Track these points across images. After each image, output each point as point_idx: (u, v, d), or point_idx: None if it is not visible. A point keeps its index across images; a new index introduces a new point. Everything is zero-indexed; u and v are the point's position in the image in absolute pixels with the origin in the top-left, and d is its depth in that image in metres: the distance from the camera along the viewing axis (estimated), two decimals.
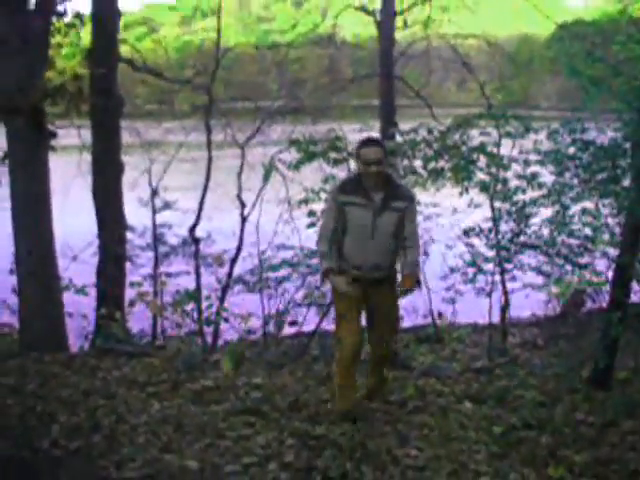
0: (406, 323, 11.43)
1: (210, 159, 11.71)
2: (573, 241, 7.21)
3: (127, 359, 6.33)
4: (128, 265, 11.34)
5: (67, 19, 10.66)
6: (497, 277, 8.67)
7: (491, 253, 7.97)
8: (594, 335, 7.48)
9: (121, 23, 10.97)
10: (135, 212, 12.48)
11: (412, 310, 11.28)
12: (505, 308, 9.09)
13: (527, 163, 7.60)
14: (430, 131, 7.84)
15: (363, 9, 11.84)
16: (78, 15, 10.57)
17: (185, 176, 14.94)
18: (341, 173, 8.19)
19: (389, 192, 4.72)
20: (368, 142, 4.78)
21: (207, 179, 11.68)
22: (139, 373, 5.74)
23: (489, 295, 9.00)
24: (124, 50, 13.30)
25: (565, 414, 4.60)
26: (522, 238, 7.58)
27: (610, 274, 7.49)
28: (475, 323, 11.59)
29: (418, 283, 4.88)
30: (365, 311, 4.90)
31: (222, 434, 4.24)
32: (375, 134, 12.32)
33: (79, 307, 9.77)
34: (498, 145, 8.10)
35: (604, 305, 8.43)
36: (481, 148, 7.71)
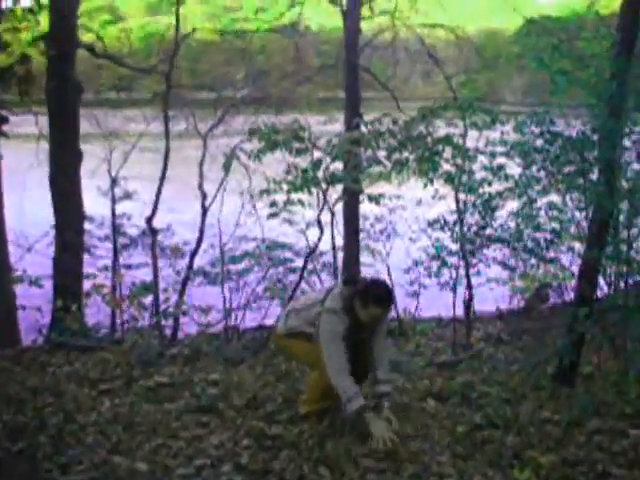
0: None
1: (168, 148, 11.46)
2: (539, 235, 7.12)
3: (79, 354, 6.10)
4: (86, 256, 11.11)
5: (24, 3, 10.43)
6: (462, 271, 8.64)
7: (456, 246, 7.88)
8: (558, 330, 7.45)
9: (85, 10, 10.72)
10: (94, 202, 12.22)
11: None
12: (469, 302, 9.05)
13: (493, 155, 7.51)
14: (395, 121, 7.71)
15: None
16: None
17: (146, 166, 14.63)
18: (303, 163, 8.04)
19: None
20: (383, 303, 4.34)
21: (164, 169, 11.44)
22: (91, 369, 5.51)
23: (453, 289, 8.94)
24: (88, 37, 13.01)
25: (530, 412, 4.48)
26: (488, 231, 7.49)
27: (575, 268, 7.47)
28: (439, 317, 11.59)
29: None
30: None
31: (175, 434, 4.04)
32: (339, 126, 12.26)
33: (34, 299, 9.49)
34: (464, 136, 8.02)
35: (568, 300, 8.42)
36: (447, 139, 7.60)
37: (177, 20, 11.64)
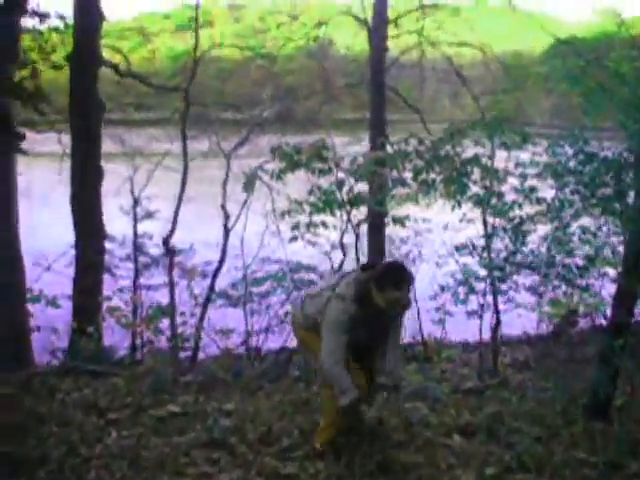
0: None
1: (186, 167, 11.32)
2: (572, 261, 6.81)
3: (91, 379, 5.89)
4: (107, 276, 10.96)
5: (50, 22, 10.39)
6: (489, 297, 8.36)
7: (484, 272, 7.57)
8: (587, 356, 7.15)
9: (114, 30, 10.70)
10: (116, 221, 12.12)
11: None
12: (496, 327, 8.77)
13: (524, 176, 7.20)
14: (421, 141, 7.46)
15: (355, 17, 11.53)
16: (62, 17, 10.28)
17: (170, 185, 14.54)
18: (326, 184, 7.83)
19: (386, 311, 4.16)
20: (400, 281, 4.05)
21: (182, 188, 11.27)
22: (101, 396, 5.29)
23: (480, 315, 8.67)
24: (114, 57, 12.99)
25: (564, 452, 4.18)
26: (518, 257, 7.16)
27: (604, 292, 7.15)
28: (465, 341, 11.32)
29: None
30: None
31: (182, 471, 3.80)
32: (365, 147, 12.04)
33: (52, 320, 9.33)
34: (491, 157, 7.76)
35: (597, 323, 8.12)
36: (475, 160, 7.32)
37: (196, 38, 11.56)
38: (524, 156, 7.31)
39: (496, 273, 7.18)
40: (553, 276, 6.82)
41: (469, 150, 7.95)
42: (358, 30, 15.12)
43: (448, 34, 15.16)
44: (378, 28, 9.77)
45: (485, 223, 7.80)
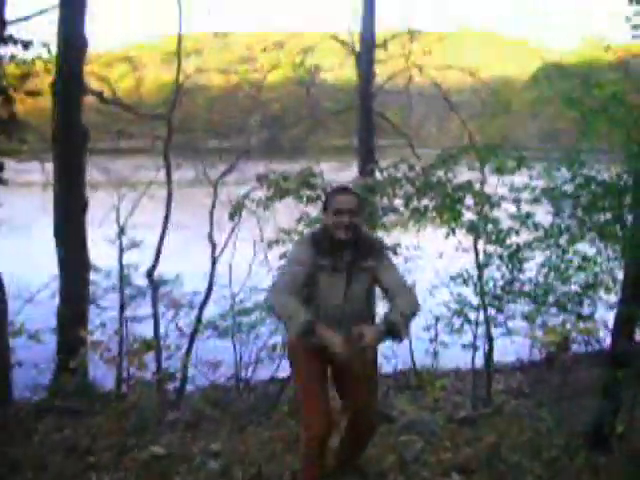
0: (386, 369, 10.96)
1: (170, 195, 11.12)
2: (569, 288, 6.65)
3: (72, 418, 5.65)
4: (92, 308, 10.72)
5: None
6: (483, 324, 8.20)
7: (478, 300, 7.40)
8: (582, 382, 7.01)
9: (104, 61, 10.61)
10: (101, 251, 11.90)
11: (392, 355, 10.86)
12: (489, 354, 8.61)
13: (518, 201, 7.04)
14: (411, 167, 7.29)
15: (342, 42, 11.47)
16: (45, 45, 10.14)
17: (156, 214, 14.37)
18: (314, 212, 7.65)
19: (359, 249, 4.00)
20: (340, 189, 4.09)
21: (167, 217, 11.05)
22: (82, 436, 5.05)
23: (474, 344, 8.52)
24: (100, 86, 12.87)
25: None
26: (516, 285, 6.98)
27: (598, 316, 7.01)
28: (457, 368, 11.17)
29: (398, 339, 3.85)
30: (333, 377, 4.18)
31: None
32: (353, 173, 11.93)
33: (34, 354, 9.06)
34: (482, 182, 7.62)
35: (591, 350, 8.00)
36: (467, 186, 7.16)
37: (178, 65, 11.44)
38: (518, 180, 7.18)
39: (493, 303, 7.00)
40: (550, 304, 6.65)
41: (460, 176, 7.83)
42: (345, 57, 15.08)
43: (435, 59, 15.16)
44: (365, 53, 9.70)
45: (476, 250, 7.65)
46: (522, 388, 9.99)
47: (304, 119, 17.10)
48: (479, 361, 8.89)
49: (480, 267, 7.52)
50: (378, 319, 4.32)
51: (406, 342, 10.91)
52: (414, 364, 10.96)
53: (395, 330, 3.71)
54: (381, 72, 13.19)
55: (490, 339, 8.19)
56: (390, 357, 10.90)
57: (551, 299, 6.65)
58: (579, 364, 9.41)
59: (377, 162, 10.78)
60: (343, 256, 3.96)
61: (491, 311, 7.59)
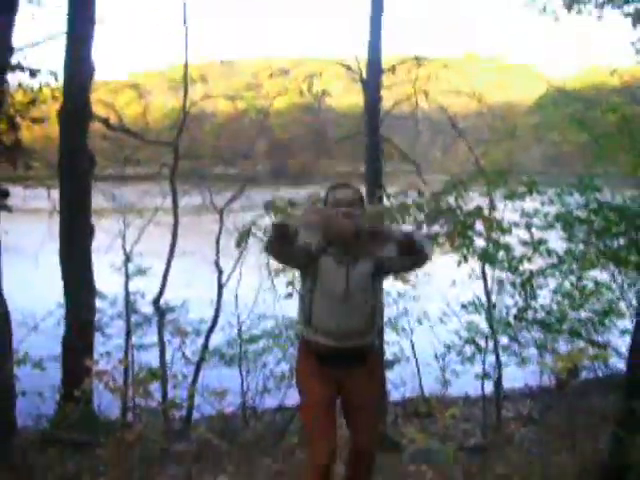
0: (394, 396, 10.84)
1: (176, 223, 11.06)
2: (584, 315, 6.53)
3: (75, 450, 5.54)
4: (98, 336, 10.63)
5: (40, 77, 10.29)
6: (492, 350, 8.09)
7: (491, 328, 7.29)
8: (592, 409, 7.00)
9: (110, 87, 10.63)
10: (108, 278, 11.85)
11: (400, 383, 10.76)
12: (499, 380, 8.50)
13: (529, 227, 6.94)
14: (421, 194, 7.22)
15: (348, 67, 11.45)
16: (52, 73, 10.18)
17: (163, 241, 14.36)
18: None
19: (360, 238, 3.94)
20: (338, 184, 4.12)
21: (173, 245, 10.98)
22: (85, 470, 4.94)
23: (484, 374, 8.42)
24: (106, 112, 12.90)
25: None
26: (529, 313, 6.87)
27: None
28: (466, 395, 11.04)
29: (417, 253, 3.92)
30: (342, 405, 4.11)
31: None
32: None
33: (39, 383, 8.94)
34: (494, 208, 7.55)
35: (601, 375, 7.89)
36: (477, 212, 7.07)
37: (185, 92, 11.44)
38: (528, 206, 7.10)
39: (505, 330, 6.89)
40: (565, 332, 6.53)
41: (470, 202, 7.75)
42: (350, 83, 15.06)
43: (440, 84, 15.15)
44: (372, 78, 9.68)
45: (485, 277, 7.57)
46: (532, 415, 9.81)
47: (310, 145, 17.10)
48: (487, 386, 8.79)
49: (489, 294, 7.44)
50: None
51: (414, 369, 10.82)
52: (422, 391, 10.85)
53: (410, 239, 3.81)
54: (387, 97, 13.17)
55: (500, 366, 8.09)
56: (398, 384, 10.80)
57: (565, 326, 6.54)
58: (589, 390, 9.29)
59: (384, 188, 10.73)
60: (345, 246, 3.93)
61: (502, 339, 7.49)
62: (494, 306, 7.11)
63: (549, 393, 10.85)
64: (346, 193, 4.00)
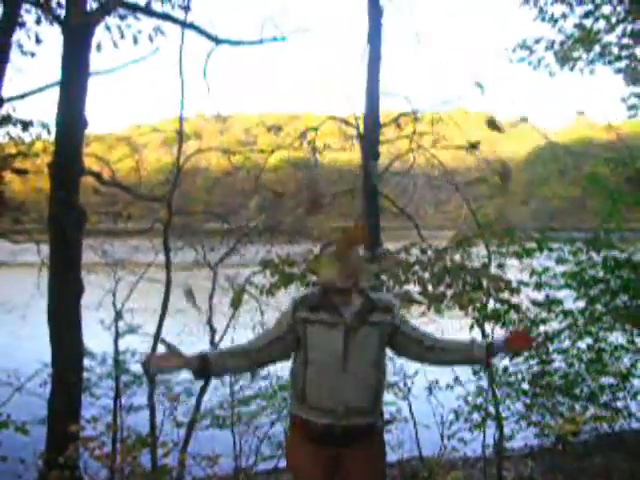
0: (391, 458, 10.48)
1: (169, 280, 10.79)
2: (603, 379, 6.25)
3: None
4: (86, 396, 10.27)
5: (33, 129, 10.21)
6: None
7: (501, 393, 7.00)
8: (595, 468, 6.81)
9: (104, 142, 10.57)
10: (97, 336, 11.52)
11: (397, 444, 10.43)
12: (500, 440, 8.18)
13: (540, 286, 6.68)
14: (424, 251, 6.98)
15: (346, 122, 11.38)
16: (44, 125, 10.09)
17: (154, 298, 14.07)
18: None
19: (364, 303, 3.65)
20: (333, 241, 3.82)
21: (165, 303, 10.68)
22: None
23: (484, 434, 8.11)
24: (100, 167, 12.74)
25: None
26: (545, 378, 6.57)
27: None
28: (465, 457, 10.69)
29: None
30: None
31: None
32: None
33: (19, 448, 8.54)
34: (496, 265, 7.33)
35: (602, 432, 7.63)
36: (485, 270, 6.83)
37: (179, 147, 11.31)
38: (535, 263, 6.88)
39: (520, 398, 6.60)
40: (584, 398, 6.24)
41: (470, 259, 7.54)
42: (344, 141, 15.04)
43: (431, 140, 15.08)
44: (370, 133, 9.57)
45: (483, 333, 7.31)
46: (533, 476, 9.48)
47: (304, 201, 16.95)
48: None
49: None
50: None
51: (412, 430, 10.48)
52: (420, 452, 10.50)
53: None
54: (382, 153, 13.11)
55: (501, 427, 7.81)
56: (395, 446, 10.46)
57: (583, 391, 6.26)
58: (590, 450, 8.99)
59: (382, 245, 10.53)
60: (341, 311, 3.59)
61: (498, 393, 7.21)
62: (505, 370, 6.81)
63: (550, 453, 10.52)
64: (344, 247, 3.72)
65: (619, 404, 6.37)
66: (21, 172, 8.71)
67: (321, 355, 3.57)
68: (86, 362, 10.23)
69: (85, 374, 10.18)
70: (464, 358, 3.81)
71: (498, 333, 7.01)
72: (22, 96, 9.48)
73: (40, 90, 9.60)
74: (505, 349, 3.74)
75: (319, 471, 3.58)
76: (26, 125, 9.81)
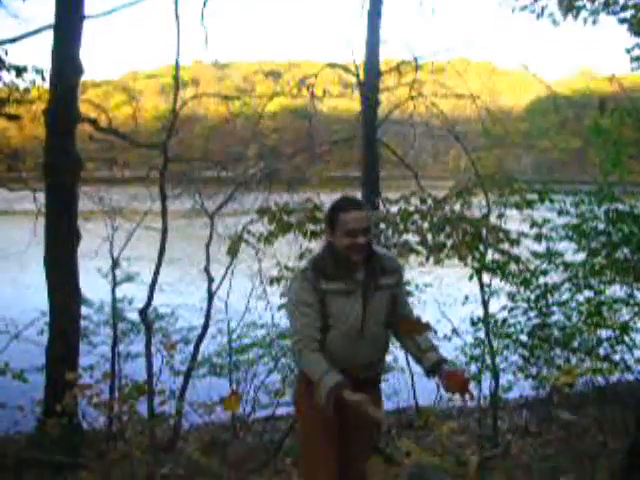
0: (387, 406, 10.59)
1: (165, 228, 10.69)
2: (603, 332, 6.23)
3: (54, 473, 5.19)
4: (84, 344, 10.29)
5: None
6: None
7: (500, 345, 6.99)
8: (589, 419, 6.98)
9: (102, 91, 10.34)
10: (94, 284, 11.51)
11: (393, 392, 10.50)
12: (495, 391, 8.23)
13: (540, 237, 6.61)
14: (424, 200, 6.88)
15: (346, 68, 11.17)
16: (39, 71, 9.88)
17: (152, 246, 14.04)
18: (318, 247, 7.26)
19: (373, 266, 3.63)
20: (349, 204, 3.61)
21: (161, 252, 10.59)
22: None
23: (480, 384, 8.14)
24: (96, 114, 12.56)
25: None
26: (544, 330, 6.54)
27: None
28: (461, 406, 10.78)
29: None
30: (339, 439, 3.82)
31: None
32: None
33: (21, 394, 8.56)
34: (496, 216, 7.25)
35: (597, 385, 7.67)
36: (485, 221, 6.75)
37: (175, 93, 11.10)
38: (536, 215, 6.80)
39: (519, 350, 6.58)
40: (582, 351, 6.22)
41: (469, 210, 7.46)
42: (343, 87, 14.84)
43: (432, 89, 14.88)
44: (370, 81, 9.37)
45: (482, 285, 7.27)
46: (528, 427, 9.56)
47: (303, 150, 16.80)
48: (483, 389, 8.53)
49: (486, 305, 7.19)
50: None
51: (408, 380, 10.55)
52: (417, 403, 10.59)
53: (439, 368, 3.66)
54: (382, 101, 12.93)
55: (497, 377, 7.83)
56: (391, 394, 10.53)
57: (581, 344, 6.24)
58: (585, 402, 9.06)
59: (380, 194, 10.43)
60: (355, 277, 3.59)
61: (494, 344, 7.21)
62: (504, 321, 6.78)
63: (545, 404, 10.62)
64: (360, 218, 3.56)
65: (616, 357, 6.37)
66: (13, 117, 8.54)
67: (341, 323, 3.60)
68: (84, 310, 10.22)
69: (83, 322, 10.17)
70: (415, 356, 3.87)
71: (496, 284, 6.99)
72: (13, 40, 9.27)
73: (32, 33, 9.38)
74: (443, 385, 3.73)
75: (326, 422, 3.63)
76: (20, 71, 9.57)
